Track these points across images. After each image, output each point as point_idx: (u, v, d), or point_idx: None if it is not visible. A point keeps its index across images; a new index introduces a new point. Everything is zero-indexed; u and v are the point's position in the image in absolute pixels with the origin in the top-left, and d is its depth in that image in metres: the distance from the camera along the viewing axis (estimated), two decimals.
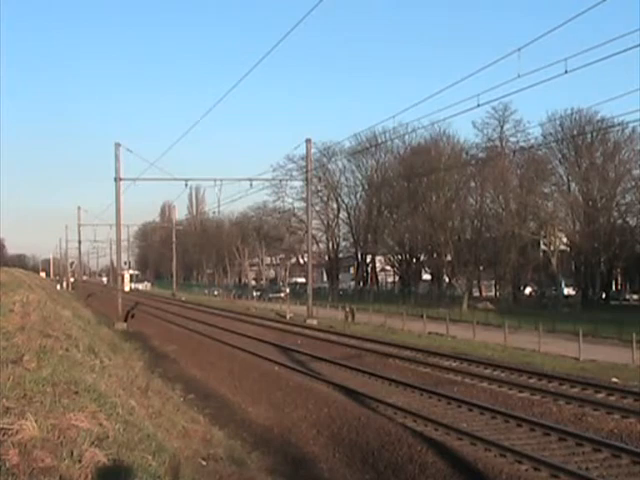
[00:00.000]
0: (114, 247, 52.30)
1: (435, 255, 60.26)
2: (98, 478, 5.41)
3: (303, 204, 64.81)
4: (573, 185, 54.53)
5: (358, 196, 72.37)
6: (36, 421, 6.07)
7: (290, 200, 74.45)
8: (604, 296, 54.28)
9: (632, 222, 53.60)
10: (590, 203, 52.21)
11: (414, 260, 65.99)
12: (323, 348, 26.03)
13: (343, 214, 73.82)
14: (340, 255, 77.11)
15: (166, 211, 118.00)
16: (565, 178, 55.27)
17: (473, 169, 57.42)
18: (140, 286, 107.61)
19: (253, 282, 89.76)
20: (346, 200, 73.34)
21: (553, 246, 50.93)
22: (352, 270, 76.86)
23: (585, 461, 10.95)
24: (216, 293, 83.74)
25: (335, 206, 74.12)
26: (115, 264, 69.09)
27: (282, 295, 62.02)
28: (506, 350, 24.97)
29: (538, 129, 59.15)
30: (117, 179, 40.15)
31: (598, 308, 45.17)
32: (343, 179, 72.80)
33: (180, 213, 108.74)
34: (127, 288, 79.25)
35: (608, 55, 15.72)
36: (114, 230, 44.79)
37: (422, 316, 34.15)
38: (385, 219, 67.71)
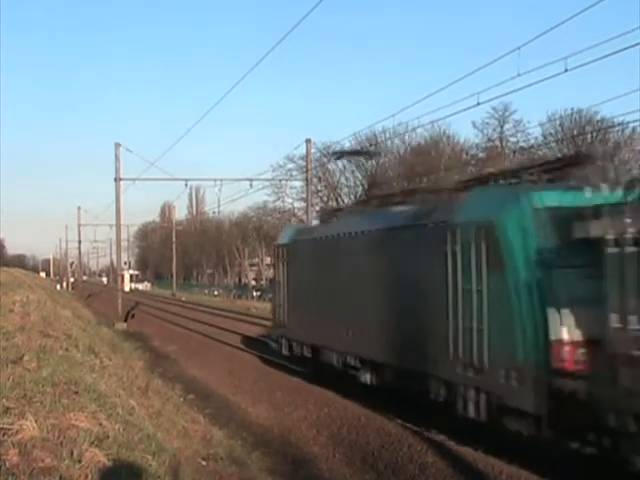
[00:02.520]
0: (114, 247, 52.30)
1: None
2: (98, 478, 5.41)
3: (303, 204, 64.80)
4: None
5: (358, 196, 72.38)
6: (36, 421, 6.08)
7: (290, 200, 74.54)
8: None
9: None
10: None
11: None
12: None
13: None
14: None
15: (166, 211, 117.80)
16: None
17: (473, 169, 57.37)
18: (140, 286, 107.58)
19: (253, 282, 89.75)
20: (346, 200, 73.34)
21: None
22: None
23: None
24: (216, 293, 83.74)
25: (335, 206, 74.15)
26: (115, 264, 69.12)
27: None
28: None
29: (538, 129, 59.24)
30: (117, 179, 40.13)
31: None
32: (343, 179, 72.90)
33: (180, 213, 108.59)
34: (127, 288, 79.17)
35: (608, 54, 15.66)
36: (114, 230, 44.79)
37: None
38: None
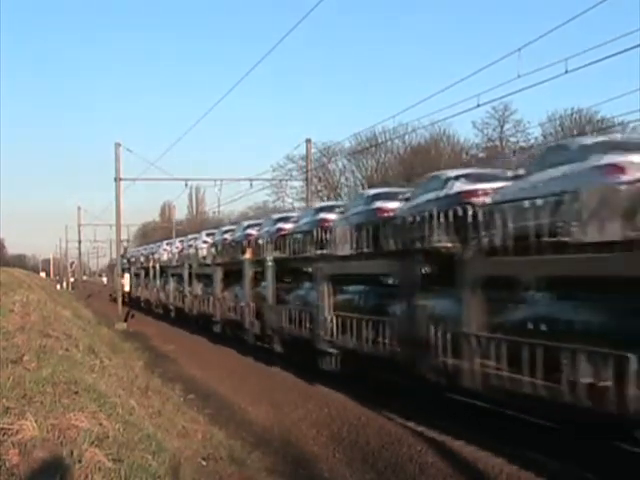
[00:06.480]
0: (114, 247, 52.35)
1: None
2: (98, 478, 5.41)
3: (303, 204, 64.75)
4: None
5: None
6: (36, 421, 6.07)
7: (290, 200, 74.39)
8: None
9: None
10: None
11: None
12: None
13: None
14: None
15: (166, 211, 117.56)
16: None
17: None
18: None
19: None
20: (346, 200, 73.26)
21: None
22: None
23: None
24: None
25: None
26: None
27: None
28: None
29: (538, 129, 59.29)
30: (117, 179, 40.12)
31: None
32: (343, 179, 72.84)
33: (180, 213, 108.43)
34: (127, 288, 79.03)
35: (608, 55, 15.75)
36: (114, 230, 44.83)
37: None
38: None
